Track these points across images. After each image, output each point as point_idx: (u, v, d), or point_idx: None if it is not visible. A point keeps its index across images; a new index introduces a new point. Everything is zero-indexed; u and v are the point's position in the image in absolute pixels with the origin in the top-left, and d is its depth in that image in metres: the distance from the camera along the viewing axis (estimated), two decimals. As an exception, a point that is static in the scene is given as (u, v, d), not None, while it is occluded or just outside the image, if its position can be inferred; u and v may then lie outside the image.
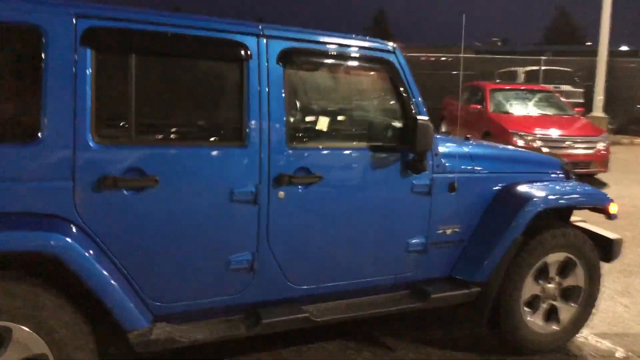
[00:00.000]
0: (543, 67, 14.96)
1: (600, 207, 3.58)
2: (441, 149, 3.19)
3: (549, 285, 3.43)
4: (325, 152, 2.87)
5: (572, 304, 3.50)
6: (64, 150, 2.29)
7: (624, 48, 31.66)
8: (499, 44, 50.96)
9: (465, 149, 3.40)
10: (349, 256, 2.97)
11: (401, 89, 3.01)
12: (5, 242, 2.12)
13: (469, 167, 3.29)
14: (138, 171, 2.41)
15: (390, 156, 2.99)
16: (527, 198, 3.26)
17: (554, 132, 9.01)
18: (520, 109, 10.22)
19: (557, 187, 3.48)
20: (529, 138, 8.82)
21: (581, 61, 15.81)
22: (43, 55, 2.26)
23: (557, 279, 3.46)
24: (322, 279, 2.92)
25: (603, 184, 9.04)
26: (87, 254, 2.25)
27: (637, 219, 6.91)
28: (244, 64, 2.62)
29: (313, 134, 2.95)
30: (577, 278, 3.49)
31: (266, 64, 2.66)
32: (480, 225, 3.31)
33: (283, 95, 2.71)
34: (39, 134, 2.25)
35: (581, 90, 15.02)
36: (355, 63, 3.01)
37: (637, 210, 7.34)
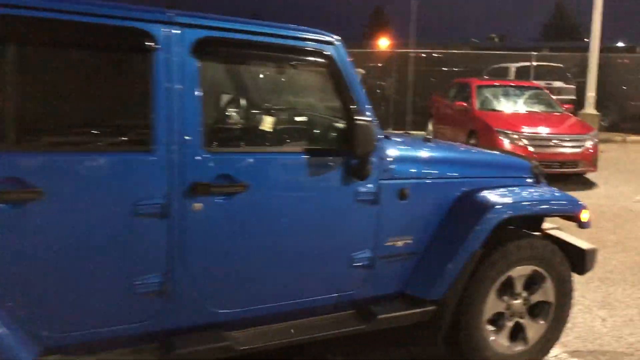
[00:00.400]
0: (535, 63, 14.59)
1: (570, 214, 3.27)
2: (391, 152, 2.85)
3: (515, 302, 3.10)
4: (252, 156, 2.52)
5: (541, 321, 3.20)
6: None
7: (620, 44, 31.37)
8: (496, 40, 50.63)
9: (420, 152, 3.05)
10: (283, 274, 2.63)
11: (341, 86, 2.65)
12: None
13: (423, 172, 2.95)
14: (19, 182, 2.07)
15: (330, 161, 2.65)
16: (487, 206, 2.93)
17: (541, 130, 8.67)
18: (507, 106, 9.87)
19: (523, 194, 3.16)
20: (515, 137, 8.49)
21: (574, 57, 15.46)
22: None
23: (523, 294, 3.13)
24: (250, 301, 2.57)
25: (592, 184, 8.73)
26: None
27: (625, 221, 6.59)
28: (150, 56, 2.27)
29: (238, 136, 2.62)
30: (546, 293, 3.18)
31: (178, 55, 2.32)
32: (437, 236, 2.98)
33: (199, 91, 2.36)
34: None
35: (573, 86, 14.67)
36: (288, 56, 2.64)
37: (625, 212, 7.03)
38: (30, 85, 2.16)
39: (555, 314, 3.21)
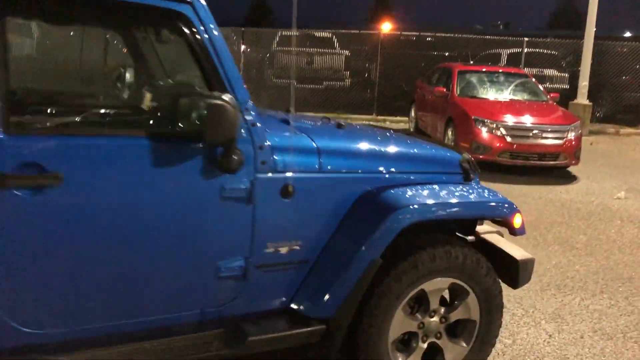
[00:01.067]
0: (526, 50, 13.96)
1: (498, 218, 2.81)
2: (274, 140, 2.34)
3: (430, 320, 2.65)
4: (70, 141, 1.99)
5: (463, 343, 2.75)
6: None
7: (627, 34, 30.64)
8: (501, 27, 49.70)
9: (317, 141, 2.52)
10: (121, 286, 2.14)
11: (198, 56, 2.14)
12: None
13: (315, 165, 2.44)
14: None
15: (183, 148, 2.14)
16: (392, 208, 2.44)
17: (521, 120, 8.14)
18: (489, 93, 9.35)
19: (442, 193, 2.64)
20: (492, 126, 7.98)
21: (569, 44, 14.81)
22: None
23: (440, 311, 2.67)
24: (79, 319, 2.09)
25: (573, 178, 8.22)
26: None
27: (599, 219, 6.10)
28: None
29: (52, 114, 2.10)
30: (469, 310, 2.73)
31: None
32: (331, 242, 2.49)
33: None
34: None
35: (566, 74, 14.09)
36: (123, 14, 2.12)
37: (602, 210, 6.53)
38: None
39: (480, 334, 2.77)
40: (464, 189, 2.78)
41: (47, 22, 2.14)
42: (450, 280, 2.64)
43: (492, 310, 2.76)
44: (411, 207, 2.46)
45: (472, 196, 2.77)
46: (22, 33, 2.08)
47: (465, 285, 2.68)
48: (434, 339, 2.67)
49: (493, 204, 2.79)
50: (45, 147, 1.93)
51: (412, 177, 2.68)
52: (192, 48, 2.14)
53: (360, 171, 2.57)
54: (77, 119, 2.21)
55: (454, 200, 2.66)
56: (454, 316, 2.71)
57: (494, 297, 2.75)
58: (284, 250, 2.40)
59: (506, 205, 2.78)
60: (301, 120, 2.95)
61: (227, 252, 2.29)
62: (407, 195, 2.51)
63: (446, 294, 2.74)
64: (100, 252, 2.06)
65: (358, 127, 3.44)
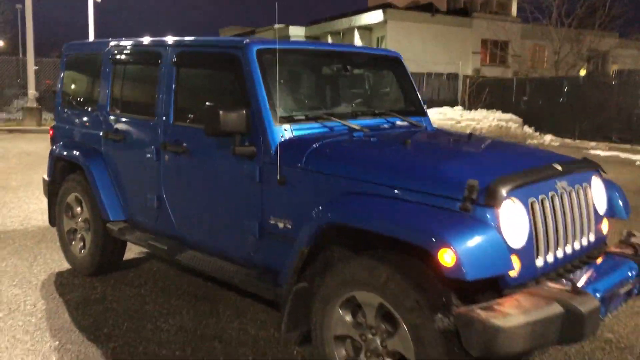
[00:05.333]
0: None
1: (422, 247, 2.40)
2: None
3: (371, 337, 2.66)
4: (190, 129, 3.75)
5: None
6: None
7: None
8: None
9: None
10: (206, 214, 3.72)
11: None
12: None
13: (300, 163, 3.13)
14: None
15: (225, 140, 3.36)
16: (323, 207, 2.83)
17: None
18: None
19: (381, 206, 2.70)
20: None
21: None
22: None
23: (381, 328, 2.62)
24: (189, 228, 3.88)
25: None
26: None
27: None
28: None
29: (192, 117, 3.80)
30: (403, 343, 2.50)
31: None
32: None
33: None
34: None
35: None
36: None
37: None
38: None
39: None
40: (422, 210, 2.57)
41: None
42: (378, 299, 2.55)
43: (427, 349, 2.37)
44: (330, 209, 2.76)
45: (404, 214, 2.58)
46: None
47: (395, 313, 2.50)
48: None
49: (408, 224, 2.49)
50: (183, 132, 3.71)
51: (393, 192, 2.70)
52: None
53: (336, 173, 2.92)
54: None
55: (380, 213, 2.60)
56: (391, 345, 2.58)
57: (432, 345, 2.36)
58: (280, 224, 3.16)
59: (433, 233, 2.35)
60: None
61: (251, 213, 3.32)
62: (341, 200, 2.81)
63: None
64: (199, 192, 3.69)
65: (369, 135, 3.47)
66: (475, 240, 2.37)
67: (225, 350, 3.47)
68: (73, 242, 4.79)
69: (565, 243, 2.86)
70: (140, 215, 4.22)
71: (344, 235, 2.83)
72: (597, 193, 3.20)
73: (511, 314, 2.27)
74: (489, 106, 20.88)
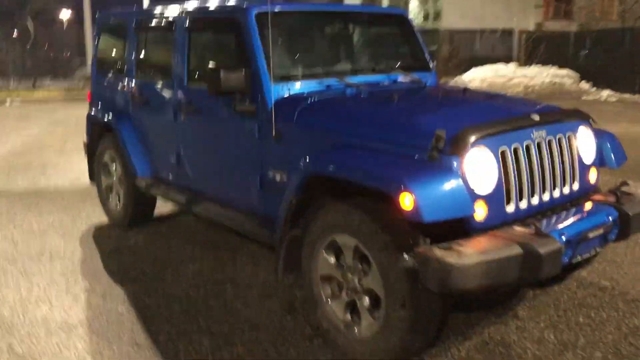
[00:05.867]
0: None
1: (384, 193, 2.60)
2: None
3: (351, 276, 2.92)
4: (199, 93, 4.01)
5: (375, 317, 2.83)
6: None
7: None
8: None
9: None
10: (217, 167, 4.10)
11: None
12: None
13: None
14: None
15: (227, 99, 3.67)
16: (305, 161, 3.05)
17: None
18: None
19: (353, 156, 2.92)
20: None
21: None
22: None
23: (358, 268, 2.87)
24: (203, 181, 4.27)
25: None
26: None
27: None
28: None
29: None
30: (375, 282, 2.73)
31: None
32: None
33: None
34: None
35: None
36: None
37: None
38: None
39: (389, 317, 2.69)
40: (391, 159, 2.76)
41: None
42: (354, 241, 2.78)
43: (396, 293, 2.61)
44: (312, 161, 3.00)
45: (373, 162, 2.77)
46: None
47: (368, 254, 2.73)
48: (354, 298, 2.92)
49: (375, 171, 2.69)
50: (195, 93, 4.04)
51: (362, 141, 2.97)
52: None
53: (322, 128, 3.15)
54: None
55: (352, 164, 2.82)
56: (366, 283, 2.82)
57: (398, 282, 2.60)
58: (277, 177, 3.40)
59: (395, 179, 2.54)
60: None
61: (253, 167, 3.59)
62: (322, 153, 3.03)
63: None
64: (209, 148, 4.08)
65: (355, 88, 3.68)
66: (433, 185, 2.55)
67: (234, 291, 3.80)
68: (110, 198, 5.24)
69: (543, 190, 2.98)
70: (164, 172, 4.58)
71: (327, 185, 3.05)
72: (584, 143, 3.26)
73: (467, 253, 2.46)
74: (545, 62, 20.22)
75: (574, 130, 3.20)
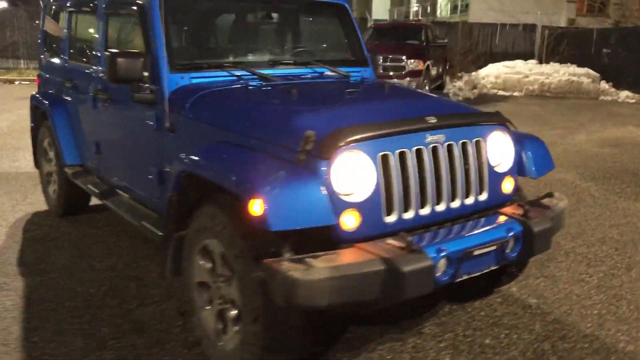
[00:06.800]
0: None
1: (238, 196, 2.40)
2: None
3: (221, 284, 2.69)
4: None
5: (234, 326, 2.65)
6: None
7: None
8: None
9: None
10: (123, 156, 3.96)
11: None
12: None
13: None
14: None
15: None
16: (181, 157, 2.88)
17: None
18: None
19: (224, 155, 2.73)
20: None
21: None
22: None
23: (225, 276, 2.65)
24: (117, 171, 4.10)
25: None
26: None
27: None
28: None
29: None
30: (235, 290, 2.56)
31: None
32: None
33: None
34: None
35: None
36: None
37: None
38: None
39: (245, 331, 2.51)
40: (256, 160, 2.54)
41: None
42: (222, 248, 2.58)
43: (250, 310, 2.43)
44: (184, 158, 2.80)
45: (235, 163, 2.58)
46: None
47: (230, 259, 2.52)
48: (223, 305, 2.69)
49: (231, 173, 2.49)
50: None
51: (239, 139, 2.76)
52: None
53: (208, 122, 2.97)
54: None
55: (217, 163, 2.66)
56: (229, 293, 2.62)
57: (252, 295, 2.41)
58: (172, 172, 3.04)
59: (247, 182, 2.35)
60: None
61: (152, 160, 3.40)
62: (196, 149, 2.82)
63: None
64: (119, 139, 3.92)
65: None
66: (287, 191, 2.31)
67: (137, 290, 3.63)
68: (49, 185, 5.10)
69: (438, 200, 2.72)
70: (89, 161, 4.42)
71: (203, 184, 2.83)
72: (498, 149, 2.98)
73: (317, 267, 2.22)
74: (566, 60, 19.51)
75: (484, 135, 2.91)
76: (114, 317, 3.29)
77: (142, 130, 3.48)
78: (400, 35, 15.05)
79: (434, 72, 15.03)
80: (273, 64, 3.68)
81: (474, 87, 17.21)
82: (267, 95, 3.22)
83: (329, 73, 3.79)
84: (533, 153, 3.16)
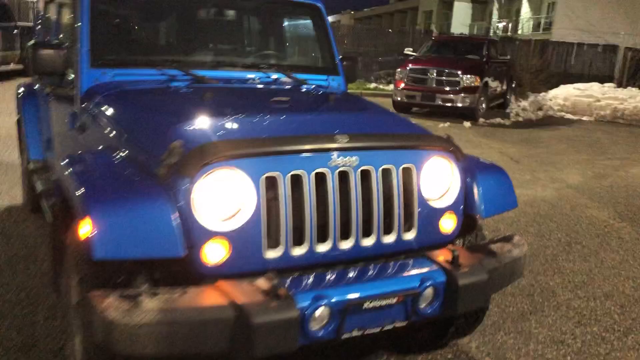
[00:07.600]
0: None
1: None
2: None
3: None
4: None
5: None
6: None
7: None
8: None
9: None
10: None
11: None
12: None
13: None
14: None
15: None
16: None
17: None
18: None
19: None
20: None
21: None
22: None
23: None
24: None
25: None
26: None
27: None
28: None
29: None
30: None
31: None
32: None
33: None
34: None
35: None
36: None
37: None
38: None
39: None
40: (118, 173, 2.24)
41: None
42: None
43: (78, 347, 2.26)
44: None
45: (94, 178, 2.26)
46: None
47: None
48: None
49: (77, 187, 2.09)
50: None
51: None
52: None
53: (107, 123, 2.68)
54: None
55: (75, 172, 2.26)
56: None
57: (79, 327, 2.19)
58: None
59: (82, 200, 2.00)
60: None
61: None
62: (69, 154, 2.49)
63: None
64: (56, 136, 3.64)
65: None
66: (123, 213, 1.94)
67: (57, 302, 3.35)
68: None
69: (343, 235, 2.26)
70: (47, 157, 4.23)
71: None
72: (437, 180, 2.49)
73: (144, 308, 1.83)
74: (647, 85, 18.08)
75: (417, 162, 2.42)
76: (12, 329, 3.02)
77: (63, 129, 3.21)
78: (460, 50, 14.42)
79: (493, 89, 14.24)
80: (217, 64, 3.32)
81: (539, 109, 16.15)
82: (177, 98, 2.87)
83: (285, 79, 3.39)
84: (487, 187, 2.62)
